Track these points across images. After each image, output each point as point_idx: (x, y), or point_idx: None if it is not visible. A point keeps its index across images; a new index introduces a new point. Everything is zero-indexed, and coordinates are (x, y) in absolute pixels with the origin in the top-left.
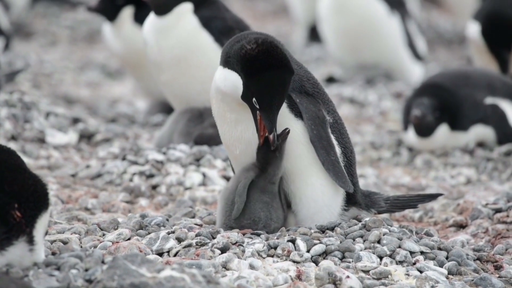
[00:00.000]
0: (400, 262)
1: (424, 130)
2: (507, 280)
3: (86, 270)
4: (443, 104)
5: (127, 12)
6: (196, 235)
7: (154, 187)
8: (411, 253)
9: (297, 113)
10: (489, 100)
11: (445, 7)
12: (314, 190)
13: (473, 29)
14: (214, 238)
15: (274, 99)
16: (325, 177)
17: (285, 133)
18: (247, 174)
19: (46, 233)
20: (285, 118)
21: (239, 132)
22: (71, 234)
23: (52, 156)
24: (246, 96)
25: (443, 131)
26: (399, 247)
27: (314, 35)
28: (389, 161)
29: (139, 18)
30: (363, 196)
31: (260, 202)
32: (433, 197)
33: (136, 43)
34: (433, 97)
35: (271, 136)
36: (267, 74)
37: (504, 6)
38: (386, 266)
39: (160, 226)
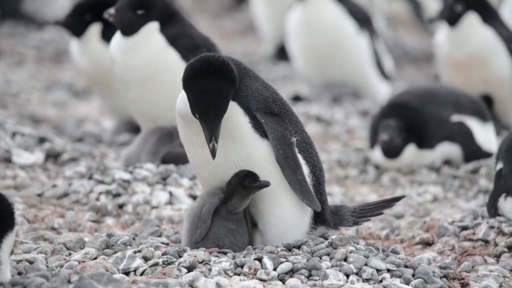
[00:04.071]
0: (367, 280)
1: (392, 153)
2: None
3: None
4: (409, 124)
5: (95, 29)
6: (163, 254)
7: (121, 206)
8: (378, 270)
9: (263, 134)
10: (456, 118)
11: (411, 25)
12: (283, 210)
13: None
14: (180, 257)
15: (209, 107)
16: (294, 196)
17: (263, 184)
18: (212, 199)
19: (12, 253)
20: (250, 138)
21: (206, 155)
22: (37, 253)
23: (19, 176)
24: (191, 110)
25: (410, 151)
26: (366, 265)
27: (281, 53)
28: (355, 179)
29: (107, 36)
30: (331, 213)
31: (224, 228)
32: (396, 200)
33: (103, 61)
34: (399, 118)
35: (210, 145)
36: (200, 80)
37: None
38: (353, 284)
39: (127, 245)
